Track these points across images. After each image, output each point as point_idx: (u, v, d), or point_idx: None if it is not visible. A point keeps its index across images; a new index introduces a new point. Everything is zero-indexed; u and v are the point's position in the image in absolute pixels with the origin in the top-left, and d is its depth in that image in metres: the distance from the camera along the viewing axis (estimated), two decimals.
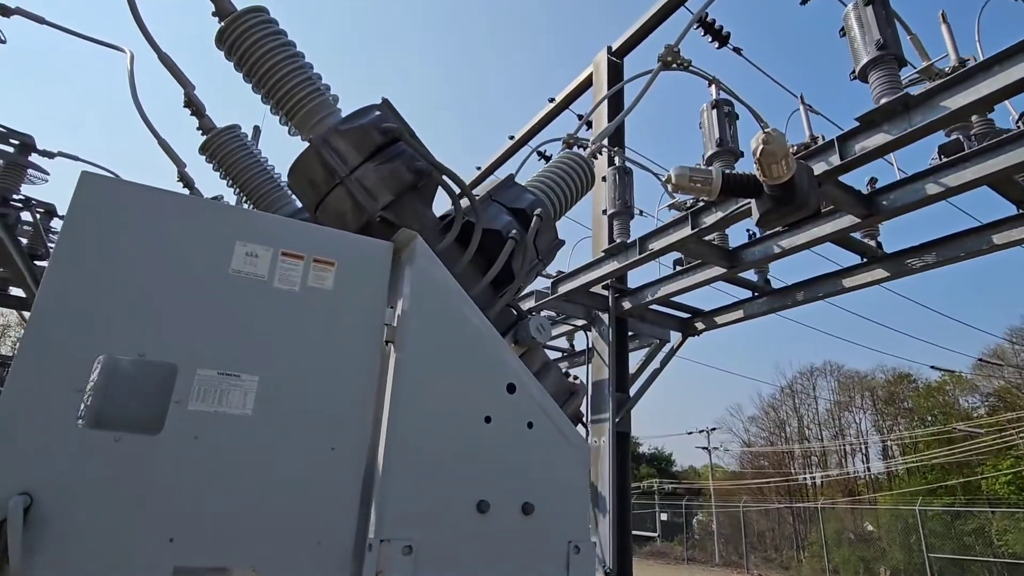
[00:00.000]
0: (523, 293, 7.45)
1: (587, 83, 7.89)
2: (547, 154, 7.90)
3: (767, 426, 43.39)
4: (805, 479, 35.75)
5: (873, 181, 5.03)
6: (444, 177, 1.92)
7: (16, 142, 4.27)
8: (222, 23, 1.89)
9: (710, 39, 5.50)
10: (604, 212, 5.61)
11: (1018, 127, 4.31)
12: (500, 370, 1.74)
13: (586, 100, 8.04)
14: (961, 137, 3.84)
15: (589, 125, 6.94)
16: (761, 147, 3.04)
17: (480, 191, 2.24)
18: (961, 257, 4.53)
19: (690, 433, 37.45)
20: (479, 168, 10.23)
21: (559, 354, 8.61)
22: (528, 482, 1.68)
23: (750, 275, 5.99)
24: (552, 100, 8.55)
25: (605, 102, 6.46)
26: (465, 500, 1.58)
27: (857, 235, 5.23)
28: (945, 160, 3.75)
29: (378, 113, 1.84)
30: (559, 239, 2.23)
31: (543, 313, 7.49)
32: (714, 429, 37.64)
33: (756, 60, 5.58)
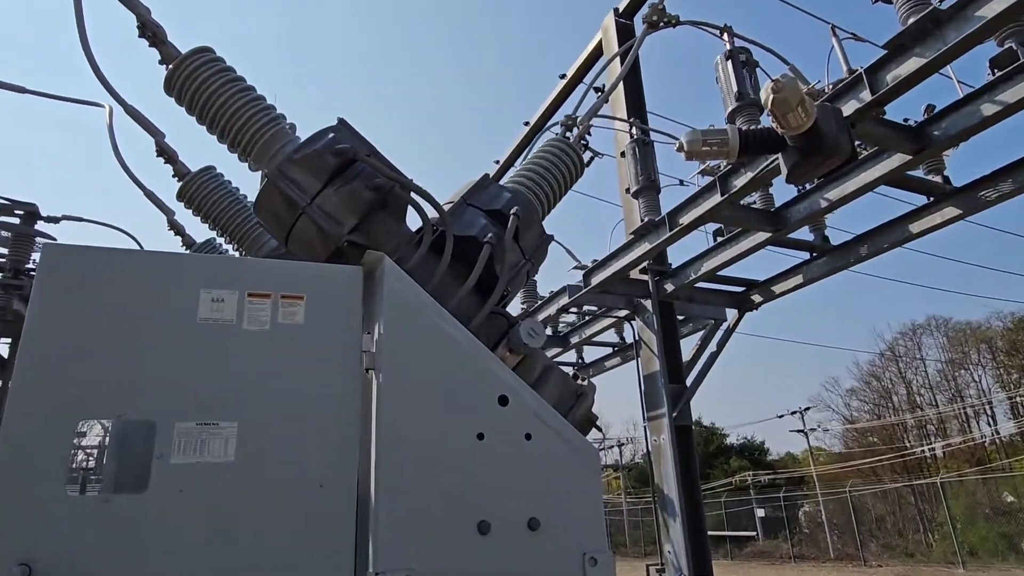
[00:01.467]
0: (532, 301, 7.48)
1: (598, 52, 7.84)
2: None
3: (871, 398, 41.68)
4: (923, 452, 34.12)
5: (930, 109, 4.82)
6: (408, 191, 1.99)
7: (21, 212, 4.65)
8: (168, 68, 2.03)
9: None
10: (628, 190, 5.58)
11: None
12: (488, 383, 1.80)
13: (596, 72, 7.99)
14: (1015, 45, 3.63)
15: (589, 86, 6.91)
16: (771, 97, 2.99)
17: (458, 194, 2.30)
18: None
19: (781, 416, 36.44)
20: (497, 162, 10.32)
21: (609, 350, 8.59)
22: (532, 496, 1.73)
23: (804, 234, 5.82)
24: (563, 76, 8.54)
25: (616, 65, 6.42)
26: (464, 523, 1.65)
27: (920, 172, 5.02)
28: (999, 74, 3.56)
29: (331, 136, 1.94)
30: (547, 235, 2.27)
31: (583, 308, 7.50)
32: (808, 409, 36.41)
33: None
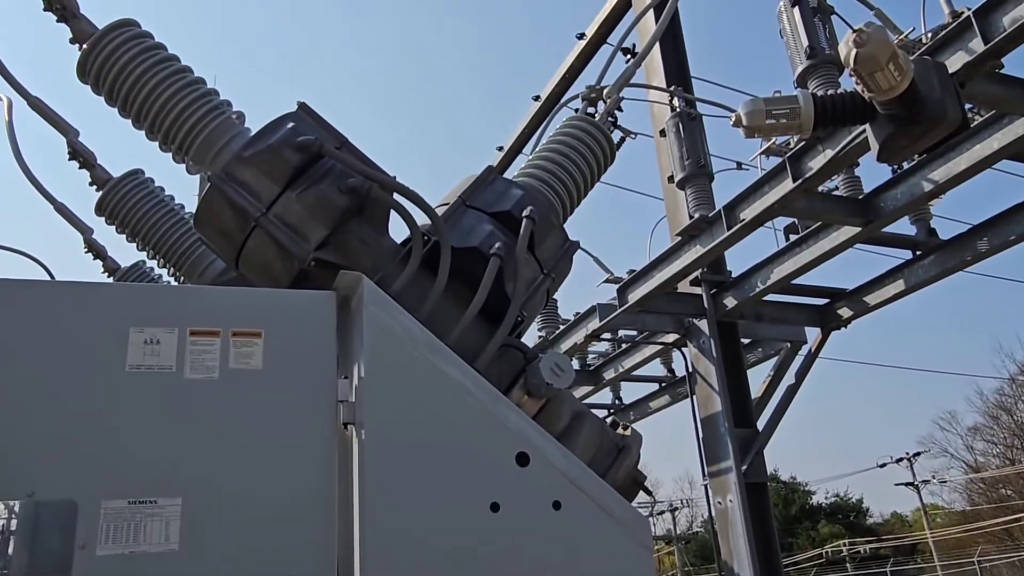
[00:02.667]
0: (553, 327, 7.47)
1: (624, 4, 7.93)
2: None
3: (1000, 437, 41.17)
4: None
5: None
6: (391, 192, 2.01)
7: None
8: (82, 49, 2.07)
9: None
10: (671, 179, 5.60)
11: None
12: (502, 437, 1.80)
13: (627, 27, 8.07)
14: None
15: (618, 45, 6.97)
16: (854, 52, 3.00)
17: (455, 193, 2.32)
18: None
19: (883, 465, 35.97)
20: (501, 148, 10.40)
21: (654, 386, 8.57)
22: None
23: (903, 227, 5.81)
24: (582, 36, 8.63)
25: (649, 20, 6.48)
26: None
27: None
28: None
29: (291, 126, 1.96)
30: (571, 242, 2.29)
31: (620, 333, 7.50)
32: (919, 454, 35.97)
33: None
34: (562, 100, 8.46)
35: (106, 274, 3.35)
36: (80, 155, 2.74)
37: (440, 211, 2.18)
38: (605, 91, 2.77)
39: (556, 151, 2.45)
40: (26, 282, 1.70)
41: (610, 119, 2.67)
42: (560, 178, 2.39)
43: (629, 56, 8.59)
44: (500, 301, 2.05)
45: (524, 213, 2.09)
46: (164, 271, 3.48)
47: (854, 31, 3.00)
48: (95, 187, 2.74)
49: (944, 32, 3.64)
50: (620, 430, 2.18)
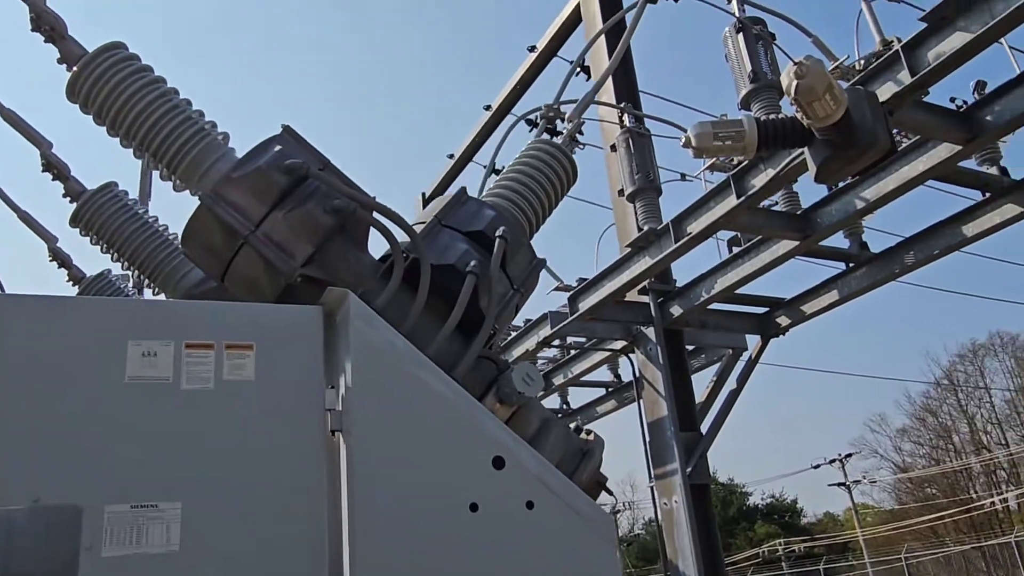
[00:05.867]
0: (505, 334, 7.66)
1: (575, 19, 8.15)
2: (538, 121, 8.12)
3: (926, 439, 42.96)
4: (993, 504, 35.22)
5: (981, 86, 5.19)
6: (373, 212, 2.14)
7: None
8: (73, 70, 2.14)
9: None
10: (621, 192, 5.82)
11: None
12: (480, 443, 1.94)
13: (577, 41, 8.30)
14: None
15: (587, 73, 7.21)
16: (795, 83, 3.24)
17: (430, 214, 2.46)
18: None
19: (817, 467, 37.15)
20: (452, 156, 10.53)
21: (601, 391, 8.80)
22: None
23: (838, 241, 6.15)
24: (533, 49, 8.83)
25: (602, 41, 6.70)
26: None
27: (972, 163, 5.39)
28: None
29: (278, 149, 2.07)
30: (538, 259, 2.44)
31: (569, 339, 7.69)
32: (850, 455, 37.27)
33: None
34: (519, 114, 8.65)
35: (71, 283, 3.37)
36: (54, 167, 2.78)
37: (417, 230, 2.31)
38: (567, 115, 2.95)
39: (524, 172, 2.61)
40: (32, 297, 1.78)
41: (574, 141, 2.84)
42: (528, 199, 2.55)
43: (580, 70, 8.81)
44: (474, 315, 2.19)
45: (498, 233, 2.24)
46: (129, 282, 3.53)
47: (795, 63, 3.24)
48: (69, 199, 2.79)
49: (875, 63, 3.92)
50: (583, 435, 2.34)
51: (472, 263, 2.17)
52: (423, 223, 2.35)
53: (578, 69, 6.90)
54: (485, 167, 10.01)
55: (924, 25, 3.67)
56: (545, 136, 2.88)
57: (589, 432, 2.36)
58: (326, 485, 1.84)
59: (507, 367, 2.21)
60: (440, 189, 11.34)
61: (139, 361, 1.79)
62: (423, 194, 11.43)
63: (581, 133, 2.88)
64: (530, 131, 7.36)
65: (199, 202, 2.07)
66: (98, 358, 1.77)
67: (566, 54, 8.71)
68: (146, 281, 2.79)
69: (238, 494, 1.76)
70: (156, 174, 2.34)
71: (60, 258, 3.37)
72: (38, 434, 1.68)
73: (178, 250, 2.76)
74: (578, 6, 7.95)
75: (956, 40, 3.54)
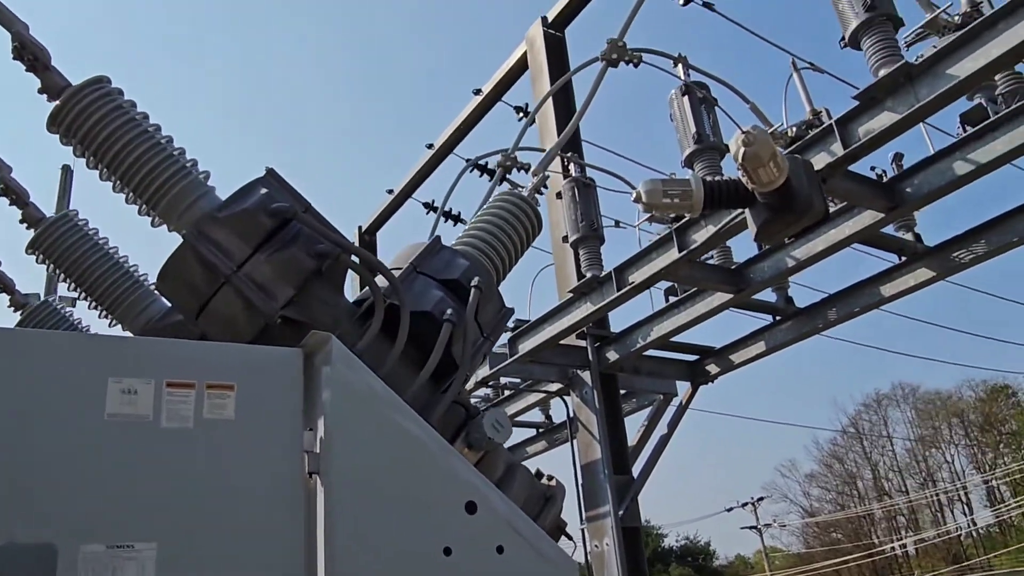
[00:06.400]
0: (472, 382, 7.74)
1: (522, 66, 8.37)
2: (489, 167, 8.30)
3: (833, 484, 44.57)
4: (894, 548, 36.69)
5: (898, 158, 5.60)
6: (353, 257, 2.19)
7: None
8: (56, 102, 2.14)
9: None
10: (565, 239, 5.99)
11: None
12: (454, 487, 1.99)
13: (523, 87, 8.52)
14: (984, 102, 4.40)
15: (531, 119, 7.42)
16: (742, 150, 3.46)
17: (401, 259, 2.52)
18: (1014, 243, 5.08)
19: (730, 510, 38.01)
20: (391, 191, 10.58)
21: (532, 431, 8.87)
22: None
23: (768, 296, 6.45)
24: (478, 92, 9.01)
25: (548, 103, 6.91)
26: None
27: (891, 229, 5.77)
28: (969, 132, 4.28)
29: (264, 192, 2.11)
30: (506, 308, 2.53)
31: (502, 382, 7.77)
32: (762, 499, 38.29)
33: (737, 16, 6.14)
34: (462, 154, 8.83)
35: (13, 308, 3.26)
36: (13, 192, 2.73)
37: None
38: (532, 169, 3.07)
39: (493, 223, 2.70)
40: (11, 331, 1.76)
41: (538, 194, 2.95)
42: (497, 249, 2.64)
43: (522, 115, 9.04)
44: (447, 360, 2.25)
45: (474, 282, 2.32)
46: (74, 308, 3.44)
47: (743, 131, 3.45)
48: (26, 225, 2.73)
49: (811, 135, 4.20)
50: (545, 480, 2.42)
51: (448, 311, 2.24)
52: (398, 269, 2.41)
53: (521, 114, 7.13)
54: (424, 203, 10.10)
55: (856, 103, 3.96)
56: (513, 189, 2.98)
57: (551, 478, 2.43)
58: (303, 526, 1.86)
59: (477, 412, 2.27)
60: (378, 223, 11.36)
61: (119, 398, 1.78)
62: (359, 228, 11.42)
63: (546, 187, 3.00)
64: (480, 176, 7.53)
65: (181, 240, 2.09)
66: (77, 394, 1.75)
67: (509, 99, 8.95)
68: (101, 312, 2.74)
69: (214, 534, 1.77)
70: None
71: (3, 283, 3.27)
72: (13, 471, 1.65)
73: (139, 282, 2.73)
74: (524, 54, 8.18)
75: (884, 119, 3.84)
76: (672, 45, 5.42)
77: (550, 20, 7.86)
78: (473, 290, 2.31)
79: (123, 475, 1.73)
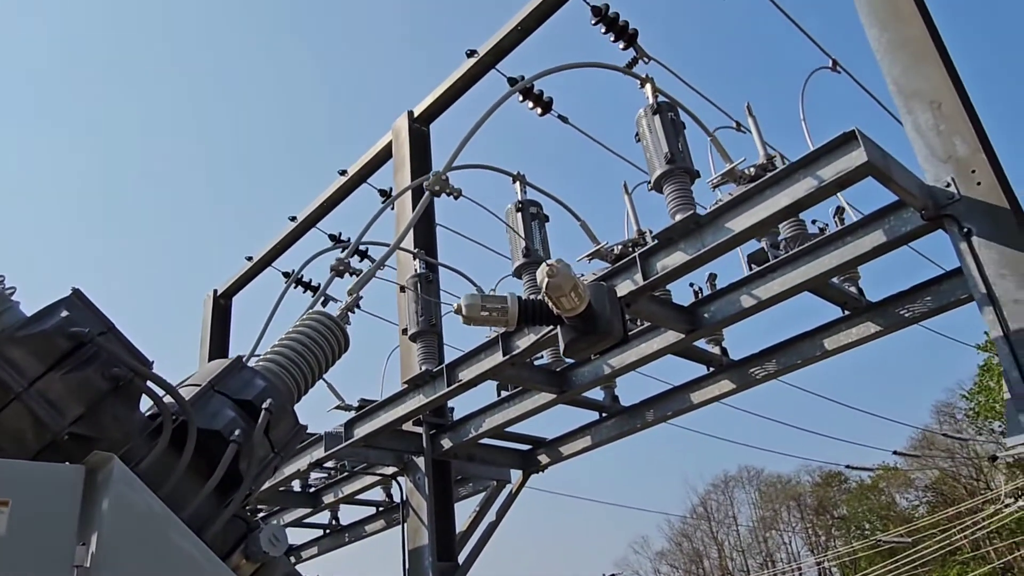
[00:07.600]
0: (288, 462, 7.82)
1: (387, 153, 8.72)
2: (312, 284, 8.74)
3: (681, 562, 45.96)
4: None
5: (712, 278, 6.25)
6: (148, 382, 2.37)
7: None
8: None
9: (531, 105, 6.59)
10: (405, 332, 6.25)
11: (836, 223, 5.70)
12: None
13: (386, 172, 8.86)
14: (765, 247, 5.07)
15: (380, 212, 7.77)
16: (546, 280, 3.87)
17: (205, 374, 2.71)
18: (798, 365, 5.78)
19: None
20: (250, 258, 10.56)
21: (372, 510, 8.90)
22: None
23: (596, 393, 6.92)
24: (343, 173, 9.27)
25: (407, 195, 7.26)
26: None
27: (701, 343, 6.39)
28: (755, 270, 4.93)
29: (65, 314, 2.26)
30: (300, 426, 2.75)
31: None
32: (614, 575, 38.93)
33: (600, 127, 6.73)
34: (324, 229, 9.06)
35: None
36: None
37: (188, 390, 2.56)
38: (348, 288, 3.34)
39: (299, 342, 2.94)
40: None
41: (350, 313, 3.22)
42: (300, 366, 2.87)
43: (385, 198, 9.35)
44: (234, 475, 2.44)
45: (264, 405, 2.54)
46: None
47: (547, 264, 3.88)
48: None
49: (617, 265, 4.71)
50: None
51: (237, 432, 2.44)
52: (198, 385, 2.59)
53: (379, 192, 7.42)
54: (284, 273, 10.17)
55: (656, 241, 4.50)
56: (323, 309, 3.23)
57: None
58: None
59: (256, 526, 2.46)
60: (235, 288, 11.25)
61: None
62: (215, 291, 11.27)
63: (358, 306, 3.28)
64: (335, 246, 7.75)
65: None
66: None
67: (374, 178, 9.29)
68: None
69: None
70: None
71: None
72: None
73: None
74: (390, 143, 8.55)
75: (678, 257, 4.38)
76: (514, 161, 5.89)
77: (416, 115, 8.28)
78: (263, 412, 2.53)
79: None
